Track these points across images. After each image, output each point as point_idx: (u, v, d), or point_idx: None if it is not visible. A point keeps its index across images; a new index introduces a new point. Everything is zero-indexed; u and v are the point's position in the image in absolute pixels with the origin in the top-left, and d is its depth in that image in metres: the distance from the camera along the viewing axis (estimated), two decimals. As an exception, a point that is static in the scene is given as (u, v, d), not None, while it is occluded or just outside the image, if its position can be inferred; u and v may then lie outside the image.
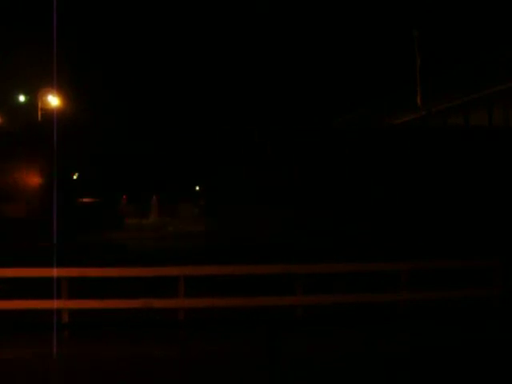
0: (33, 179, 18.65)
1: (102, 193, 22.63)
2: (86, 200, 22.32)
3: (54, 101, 39.80)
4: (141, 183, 22.30)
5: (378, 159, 19.02)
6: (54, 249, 14.67)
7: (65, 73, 36.75)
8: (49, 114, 38.49)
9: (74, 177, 20.69)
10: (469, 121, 32.78)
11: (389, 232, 18.34)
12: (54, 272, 13.24)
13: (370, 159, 18.87)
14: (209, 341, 12.49)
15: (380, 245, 17.62)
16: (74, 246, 17.43)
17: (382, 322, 13.70)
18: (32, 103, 41.77)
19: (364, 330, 13.06)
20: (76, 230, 18.73)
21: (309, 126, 24.95)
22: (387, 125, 36.39)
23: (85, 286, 13.79)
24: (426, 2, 36.62)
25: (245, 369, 10.64)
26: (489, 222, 18.61)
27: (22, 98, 43.34)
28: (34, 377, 10.29)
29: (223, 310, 13.73)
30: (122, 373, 10.54)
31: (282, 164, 19.06)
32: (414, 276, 14.10)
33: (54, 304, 12.90)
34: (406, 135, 20.33)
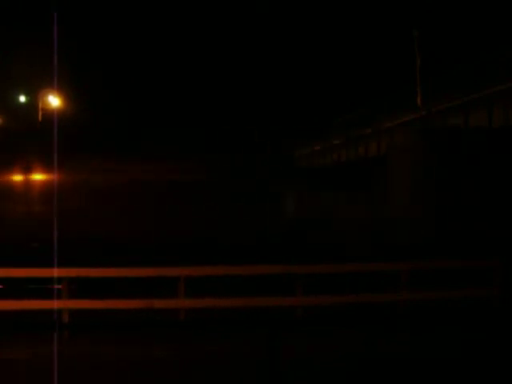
0: None
1: None
2: None
3: (54, 101, 39.83)
4: None
5: (378, 159, 19.02)
6: None
7: (65, 73, 36.73)
8: (49, 114, 38.52)
9: None
10: (469, 121, 32.78)
11: (389, 232, 18.33)
12: (54, 272, 13.24)
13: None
14: (209, 341, 12.49)
15: (380, 244, 17.61)
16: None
17: (382, 322, 13.69)
18: (32, 103, 41.82)
19: (364, 330, 13.05)
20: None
21: (309, 126, 24.95)
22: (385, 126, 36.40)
23: (84, 286, 13.80)
24: (425, 2, 36.63)
25: (245, 369, 10.65)
26: (489, 222, 18.61)
27: (22, 99, 43.40)
28: (34, 377, 10.30)
29: (223, 310, 13.73)
30: (122, 373, 10.55)
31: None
32: (414, 276, 14.10)
33: (54, 304, 12.90)
34: (406, 135, 20.33)
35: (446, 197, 18.14)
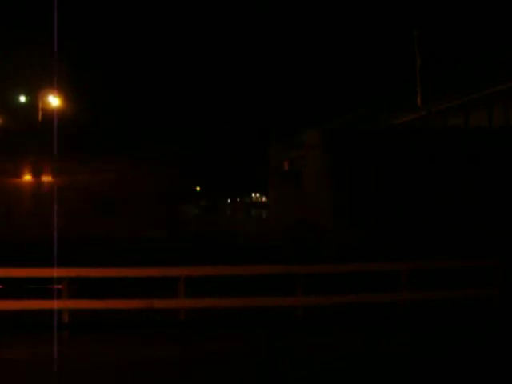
0: None
1: None
2: None
3: (54, 101, 39.79)
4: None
5: (378, 159, 19.03)
6: None
7: (65, 73, 36.76)
8: (49, 114, 38.51)
9: None
10: (469, 121, 32.79)
11: (389, 232, 18.33)
12: (54, 272, 13.24)
13: (370, 159, 18.89)
14: (209, 341, 12.49)
15: (380, 245, 17.62)
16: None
17: (382, 322, 13.69)
18: (32, 104, 41.79)
19: (364, 329, 13.07)
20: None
21: (309, 126, 24.97)
22: (387, 125, 36.42)
23: (84, 286, 13.79)
24: (425, 2, 36.63)
25: (245, 369, 10.64)
26: (489, 222, 18.61)
27: (22, 99, 43.36)
28: (34, 377, 10.29)
29: (223, 310, 13.73)
30: (122, 373, 10.54)
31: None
32: (414, 276, 14.09)
33: (54, 304, 12.89)
34: (407, 136, 20.35)
35: (342, 197, 18.61)
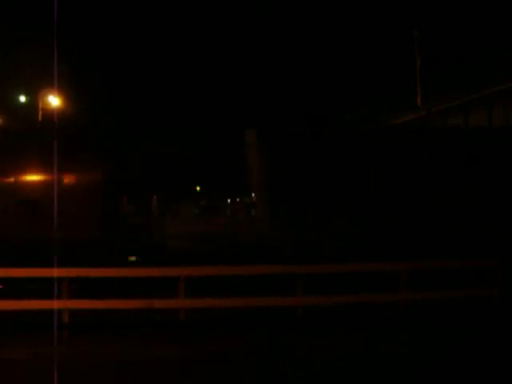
0: None
1: None
2: None
3: (54, 101, 39.79)
4: (141, 183, 22.34)
5: (378, 159, 19.03)
6: None
7: (65, 73, 36.72)
8: (49, 114, 38.50)
9: None
10: (469, 121, 32.82)
11: (389, 232, 18.34)
12: (54, 272, 13.24)
13: (370, 159, 18.90)
14: (209, 341, 12.50)
15: (380, 245, 17.63)
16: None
17: (382, 322, 13.70)
18: (32, 104, 41.78)
19: (364, 330, 13.07)
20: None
21: (309, 127, 24.96)
22: (386, 125, 36.46)
23: (84, 285, 13.80)
24: (425, 2, 36.64)
25: (245, 369, 10.65)
26: (489, 222, 18.61)
27: (22, 99, 43.36)
28: (34, 377, 10.30)
29: (223, 310, 13.74)
30: (122, 373, 10.54)
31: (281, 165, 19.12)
32: (414, 276, 14.11)
33: (54, 304, 12.90)
34: (406, 136, 20.37)
35: (278, 198, 18.79)
